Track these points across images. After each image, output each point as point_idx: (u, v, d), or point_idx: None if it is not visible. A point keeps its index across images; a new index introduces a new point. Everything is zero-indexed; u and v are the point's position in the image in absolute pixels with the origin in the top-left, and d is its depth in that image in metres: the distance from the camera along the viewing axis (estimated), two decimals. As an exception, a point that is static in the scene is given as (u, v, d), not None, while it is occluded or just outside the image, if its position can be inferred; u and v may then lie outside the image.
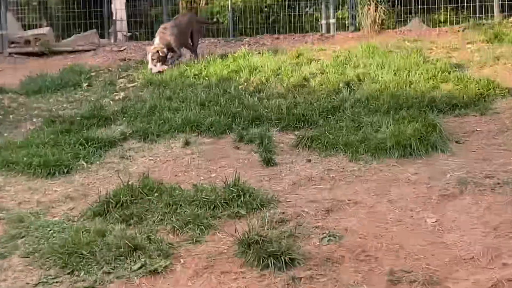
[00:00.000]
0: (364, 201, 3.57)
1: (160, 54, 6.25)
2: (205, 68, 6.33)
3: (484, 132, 4.52)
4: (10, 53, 7.59)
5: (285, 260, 2.79)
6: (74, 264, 2.91)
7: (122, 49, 7.85)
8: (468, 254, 2.83)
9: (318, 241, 3.03)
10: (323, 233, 3.11)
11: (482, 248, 2.85)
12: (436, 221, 3.20)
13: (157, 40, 6.45)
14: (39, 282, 2.83)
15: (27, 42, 7.54)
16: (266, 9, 9.15)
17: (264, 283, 2.70)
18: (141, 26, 8.98)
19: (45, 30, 7.90)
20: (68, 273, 2.88)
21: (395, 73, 5.67)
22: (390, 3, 8.16)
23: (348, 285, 2.66)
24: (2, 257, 3.05)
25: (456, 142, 4.35)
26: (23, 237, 3.24)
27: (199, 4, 9.57)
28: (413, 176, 3.90)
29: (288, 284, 2.67)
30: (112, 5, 8.61)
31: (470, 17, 7.96)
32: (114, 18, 8.54)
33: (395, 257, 2.86)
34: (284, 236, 3.03)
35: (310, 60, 6.43)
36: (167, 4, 8.86)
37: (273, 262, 2.78)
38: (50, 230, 3.30)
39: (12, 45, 7.60)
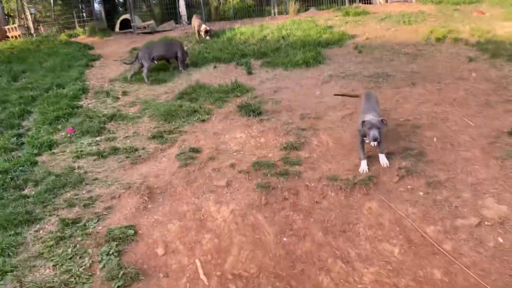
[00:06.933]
0: (290, 87, 7.27)
1: (211, 30, 11.43)
2: (221, 35, 10.72)
3: (340, 55, 8.38)
4: (138, 33, 14.36)
5: (257, 112, 6.37)
6: (169, 118, 6.57)
7: (185, 28, 14.10)
8: (333, 106, 6.46)
9: (271, 104, 6.74)
10: (273, 101, 6.84)
11: (339, 102, 6.63)
12: (320, 93, 7.00)
13: (203, 24, 11.43)
14: (155, 126, 6.43)
15: (144, 27, 14.51)
16: (250, 7, 14.84)
17: (249, 121, 6.27)
18: (190, 16, 14.33)
19: (151, 22, 14.86)
20: (168, 122, 6.50)
21: (303, 31, 10.02)
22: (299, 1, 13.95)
23: (284, 120, 6.25)
24: (140, 117, 6.78)
25: (329, 59, 8.19)
26: (148, 109, 7.01)
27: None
28: (310, 74, 7.63)
29: (259, 121, 6.27)
30: (181, 5, 15.43)
31: (337, 4, 14.62)
32: (180, 13, 15.50)
33: (302, 109, 6.44)
34: (257, 103, 6.77)
35: (266, 28, 10.89)
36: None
37: (252, 114, 6.35)
38: (159, 105, 7.02)
39: (138, 29, 14.52)
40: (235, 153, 5.29)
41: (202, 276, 3.50)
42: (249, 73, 8.18)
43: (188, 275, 3.53)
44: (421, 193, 4.16)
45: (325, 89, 7.07)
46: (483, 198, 3.98)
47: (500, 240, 3.54)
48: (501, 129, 5.17)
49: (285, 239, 3.79)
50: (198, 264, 3.61)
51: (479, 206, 3.91)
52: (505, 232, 3.61)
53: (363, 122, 4.51)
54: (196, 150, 5.42)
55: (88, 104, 7.57)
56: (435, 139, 5.09)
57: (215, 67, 8.80)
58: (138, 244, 3.86)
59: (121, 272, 3.52)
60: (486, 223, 3.72)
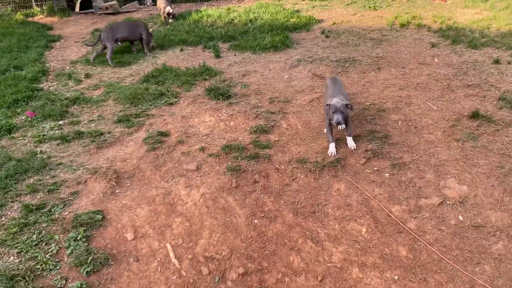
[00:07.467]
0: (259, 70, 7.24)
1: (174, 13, 11.01)
2: (187, 17, 10.49)
3: (308, 39, 8.44)
4: (99, 14, 14.13)
5: (226, 96, 6.34)
6: (136, 102, 6.48)
7: (150, 10, 14.24)
8: (301, 89, 6.56)
9: (240, 88, 6.76)
10: (242, 84, 6.85)
11: (307, 86, 6.76)
12: (288, 77, 7.05)
13: (168, 6, 10.91)
14: (121, 110, 6.34)
15: (106, 8, 14.22)
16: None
17: (218, 105, 6.34)
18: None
19: (114, 2, 14.54)
20: (134, 105, 6.40)
21: (271, 15, 10.01)
22: None
23: (253, 104, 6.29)
24: (105, 100, 6.65)
25: (297, 44, 8.22)
26: (112, 92, 6.85)
27: None
28: (279, 58, 7.65)
29: (228, 104, 6.26)
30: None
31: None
32: None
33: (272, 92, 6.48)
34: (226, 86, 6.76)
35: (234, 11, 10.78)
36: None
37: (221, 97, 6.32)
38: (124, 88, 6.89)
39: (100, 10, 14.18)
40: (204, 137, 5.25)
41: (174, 260, 3.48)
42: (217, 56, 8.08)
43: (159, 259, 3.51)
44: (387, 175, 4.28)
45: (293, 73, 7.12)
46: (445, 179, 4.15)
47: (461, 218, 3.72)
48: (462, 112, 5.38)
49: (256, 221, 3.83)
50: (169, 247, 3.59)
51: (441, 186, 4.07)
52: (465, 210, 3.78)
53: (328, 105, 4.58)
54: (164, 134, 5.34)
55: (49, 86, 7.28)
56: (399, 122, 5.24)
57: (182, 49, 8.63)
58: (107, 229, 3.79)
59: (90, 258, 3.46)
60: (447, 202, 3.88)
